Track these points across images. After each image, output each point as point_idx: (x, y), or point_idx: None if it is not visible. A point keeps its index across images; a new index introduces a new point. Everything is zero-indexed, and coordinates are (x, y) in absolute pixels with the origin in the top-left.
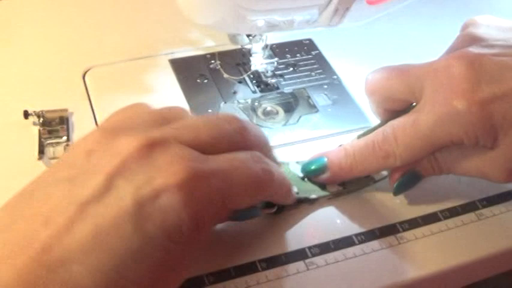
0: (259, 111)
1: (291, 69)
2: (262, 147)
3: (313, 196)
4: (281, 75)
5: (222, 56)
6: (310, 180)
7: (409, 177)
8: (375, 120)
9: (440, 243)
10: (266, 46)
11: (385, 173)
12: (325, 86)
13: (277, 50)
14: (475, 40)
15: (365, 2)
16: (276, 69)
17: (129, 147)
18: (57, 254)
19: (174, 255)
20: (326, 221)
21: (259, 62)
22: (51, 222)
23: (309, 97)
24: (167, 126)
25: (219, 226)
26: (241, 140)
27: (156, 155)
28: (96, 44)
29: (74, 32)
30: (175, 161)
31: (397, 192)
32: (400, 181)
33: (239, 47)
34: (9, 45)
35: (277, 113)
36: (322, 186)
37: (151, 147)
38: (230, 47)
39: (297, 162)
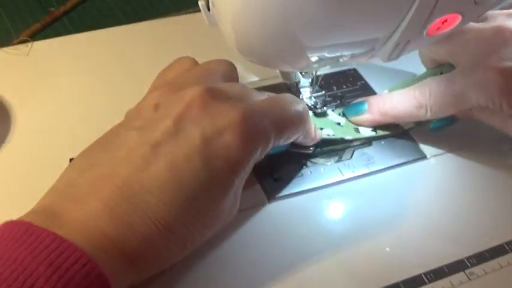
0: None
1: (339, 101)
2: None
3: (348, 137)
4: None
5: (268, 90)
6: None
7: (444, 118)
8: (429, 151)
9: (510, 276)
10: (317, 78)
11: (412, 124)
12: None
13: (322, 82)
14: None
15: (425, 34)
16: (324, 102)
17: (192, 95)
18: (136, 188)
19: (234, 186)
20: (394, 261)
21: (308, 96)
22: (128, 162)
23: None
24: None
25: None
26: None
27: (217, 101)
28: (138, 83)
29: (116, 73)
30: (233, 106)
31: (433, 129)
32: (437, 120)
33: (290, 82)
34: (51, 91)
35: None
36: (356, 130)
37: (212, 95)
38: (274, 81)
39: (332, 110)
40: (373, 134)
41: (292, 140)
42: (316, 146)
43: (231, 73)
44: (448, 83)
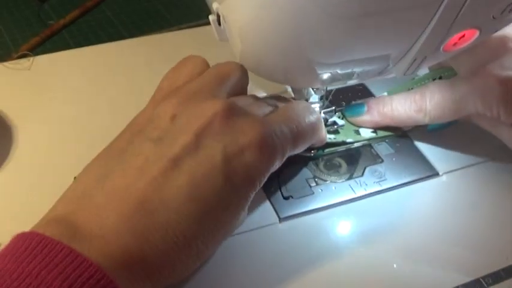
0: (321, 165)
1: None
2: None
3: (350, 140)
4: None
5: None
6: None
7: None
8: (441, 167)
9: None
10: (328, 93)
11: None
12: None
13: (330, 98)
14: None
15: (441, 50)
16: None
17: (213, 111)
18: (157, 204)
19: (249, 201)
20: (407, 281)
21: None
22: (145, 174)
23: (370, 146)
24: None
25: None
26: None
27: (237, 118)
28: (141, 97)
29: (118, 87)
30: (254, 125)
31: (431, 130)
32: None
33: (301, 99)
34: (53, 106)
35: (340, 165)
36: (357, 132)
37: (233, 111)
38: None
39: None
40: (373, 135)
41: (305, 147)
42: (318, 148)
43: (242, 77)
44: (448, 89)
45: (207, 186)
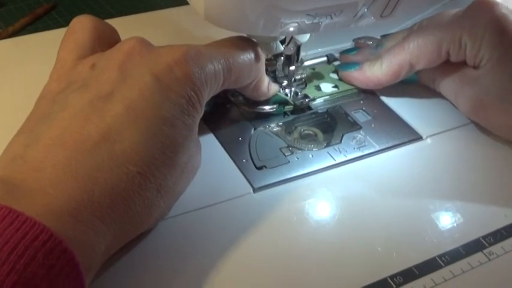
0: (296, 135)
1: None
2: None
3: (311, 96)
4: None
5: None
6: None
7: None
8: (424, 131)
9: None
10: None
11: None
12: (362, 101)
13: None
14: None
15: None
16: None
17: (128, 45)
18: (95, 139)
19: (194, 123)
20: (401, 246)
21: (287, 84)
22: (77, 118)
23: (346, 114)
24: None
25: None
26: None
27: (156, 47)
28: None
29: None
30: (175, 47)
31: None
32: None
33: (271, 54)
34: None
35: (315, 135)
36: (318, 88)
37: (148, 43)
38: None
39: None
40: (334, 90)
41: (244, 84)
42: (279, 103)
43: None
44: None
45: (144, 106)
